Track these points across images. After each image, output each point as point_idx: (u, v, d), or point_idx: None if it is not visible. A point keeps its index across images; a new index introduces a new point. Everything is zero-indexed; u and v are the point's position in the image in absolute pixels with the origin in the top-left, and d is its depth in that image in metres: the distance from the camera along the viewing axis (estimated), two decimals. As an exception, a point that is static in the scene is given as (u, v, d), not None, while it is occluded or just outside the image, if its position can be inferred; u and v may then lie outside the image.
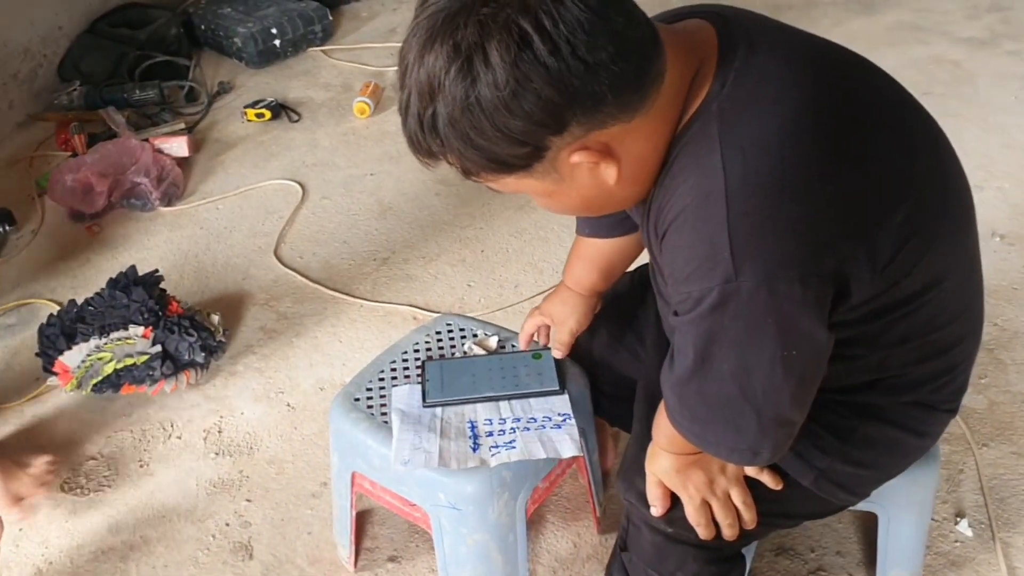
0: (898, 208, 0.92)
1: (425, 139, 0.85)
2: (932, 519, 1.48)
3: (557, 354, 1.39)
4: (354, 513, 1.46)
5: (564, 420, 1.30)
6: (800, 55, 0.94)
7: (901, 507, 1.32)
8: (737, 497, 1.12)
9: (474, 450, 1.25)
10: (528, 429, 1.28)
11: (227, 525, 1.62)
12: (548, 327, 1.44)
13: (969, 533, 1.52)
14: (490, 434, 1.27)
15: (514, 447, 1.25)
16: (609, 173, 0.89)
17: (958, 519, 1.54)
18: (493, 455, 1.24)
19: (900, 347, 1.03)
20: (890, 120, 0.96)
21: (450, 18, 0.80)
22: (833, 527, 1.53)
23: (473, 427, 1.28)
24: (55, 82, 3.08)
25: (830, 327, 0.92)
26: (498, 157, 0.85)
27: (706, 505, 1.12)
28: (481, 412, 1.31)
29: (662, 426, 1.08)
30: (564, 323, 1.40)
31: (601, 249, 1.36)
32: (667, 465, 1.12)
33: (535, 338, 1.44)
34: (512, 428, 1.28)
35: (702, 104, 0.90)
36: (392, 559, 1.54)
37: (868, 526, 1.50)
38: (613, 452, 1.65)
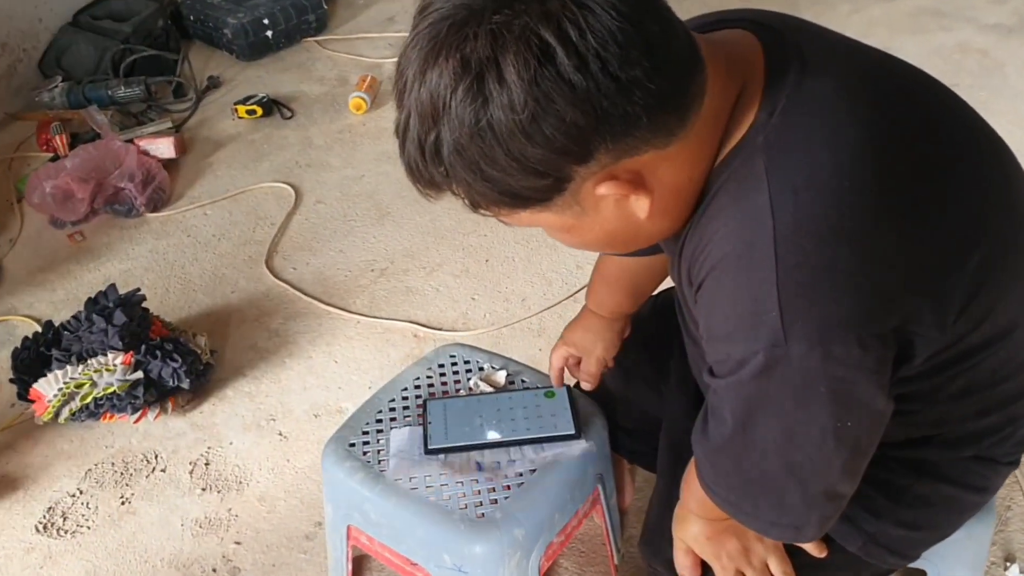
0: (972, 253, 0.79)
1: (427, 168, 0.73)
2: (980, 566, 1.36)
3: (586, 386, 1.29)
4: (351, 566, 1.34)
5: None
6: (859, 76, 0.81)
7: (953, 564, 1.19)
8: (776, 567, 1.01)
9: (480, 467, 1.19)
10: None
11: (214, 571, 1.50)
12: (577, 358, 1.32)
13: (1020, 580, 1.40)
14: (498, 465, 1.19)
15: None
16: (640, 206, 0.77)
17: (1008, 564, 1.42)
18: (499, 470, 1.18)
19: (960, 401, 0.92)
20: (960, 150, 0.83)
21: (457, 27, 0.68)
22: (872, 573, 1.41)
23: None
24: (36, 78, 2.93)
25: (889, 391, 0.80)
26: (512, 190, 0.73)
27: None
28: (488, 456, 1.19)
29: (693, 488, 0.96)
30: (591, 352, 1.29)
31: (627, 267, 1.24)
32: (698, 531, 1.00)
33: (565, 372, 1.34)
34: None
35: (747, 135, 0.77)
36: (393, 610, 1.42)
37: (912, 571, 1.38)
38: (631, 488, 1.52)
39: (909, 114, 0.81)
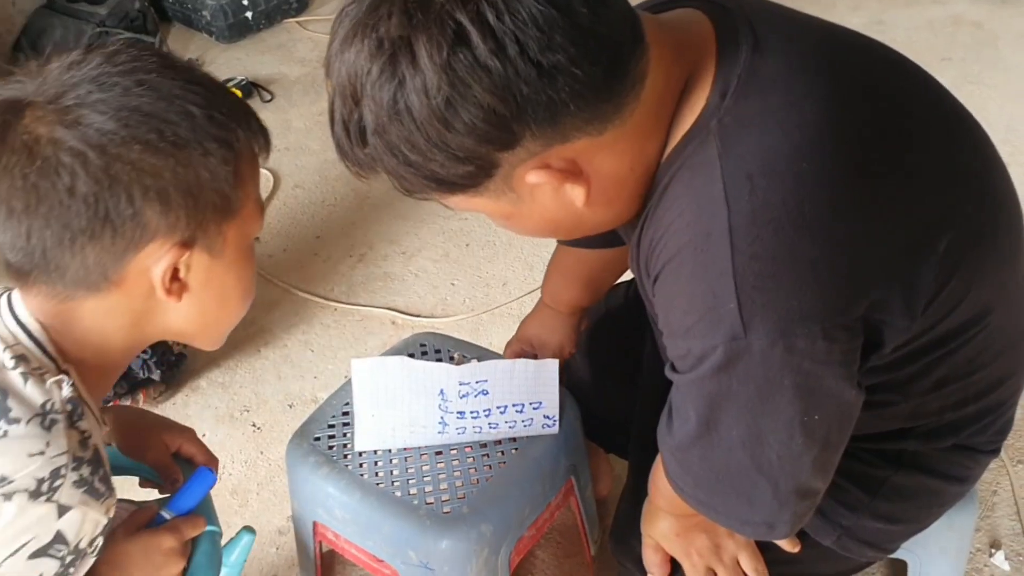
0: (941, 237, 0.76)
1: (352, 149, 0.70)
2: (965, 554, 1.33)
3: None
4: (319, 561, 1.31)
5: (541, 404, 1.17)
6: (816, 53, 0.77)
7: (935, 553, 1.16)
8: (747, 563, 0.98)
9: (442, 423, 1.15)
10: (504, 410, 1.15)
11: (184, 567, 1.47)
12: (533, 353, 1.28)
13: (1006, 567, 1.37)
14: (464, 396, 1.15)
15: (480, 430, 1.15)
16: (576, 195, 0.73)
17: (993, 550, 1.39)
18: (459, 432, 1.14)
19: (938, 391, 0.88)
20: (928, 130, 0.79)
21: (375, 5, 0.65)
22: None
23: (443, 394, 1.15)
24: (11, 62, 2.88)
25: (858, 382, 0.76)
26: (436, 175, 0.69)
27: (711, 573, 0.99)
28: (454, 375, 1.16)
29: (660, 485, 0.93)
30: (547, 347, 1.27)
31: (585, 260, 1.20)
32: (666, 528, 0.97)
33: None
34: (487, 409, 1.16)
35: (699, 119, 0.73)
36: (365, 605, 1.39)
37: (893, 562, 1.35)
38: (608, 477, 1.50)
39: (874, 93, 0.77)
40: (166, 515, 0.86)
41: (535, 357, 1.27)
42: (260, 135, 0.76)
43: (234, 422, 1.71)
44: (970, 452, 0.97)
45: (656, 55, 0.71)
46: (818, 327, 0.70)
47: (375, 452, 1.17)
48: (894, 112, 0.77)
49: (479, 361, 1.29)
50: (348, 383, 1.30)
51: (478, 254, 2.07)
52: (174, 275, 0.73)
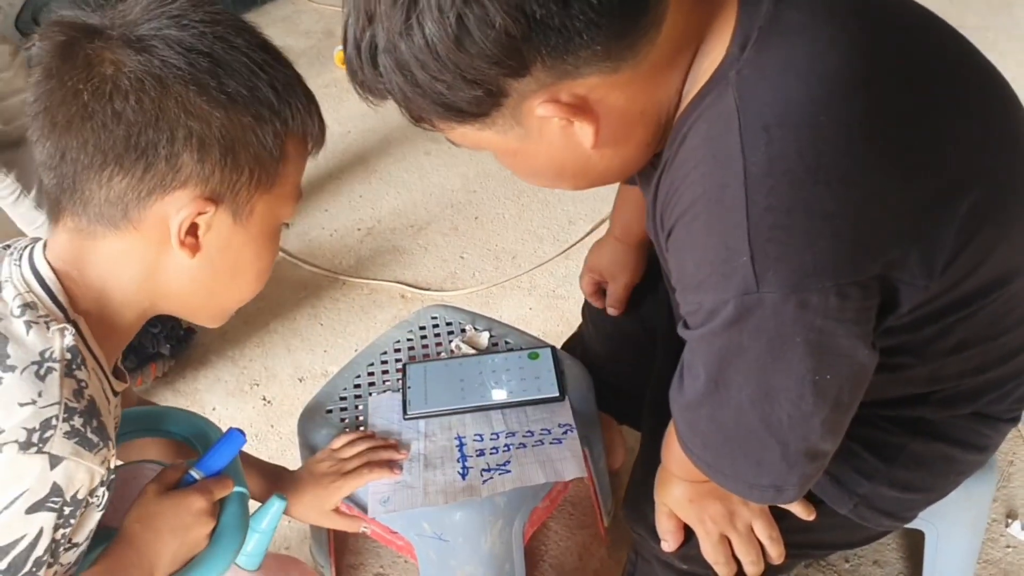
0: (964, 196, 0.74)
1: (363, 70, 0.69)
2: (980, 524, 1.33)
3: (612, 312, 1.29)
4: (332, 534, 1.31)
5: (565, 433, 1.13)
6: (840, 5, 0.74)
7: (952, 523, 1.15)
8: (762, 531, 0.97)
9: (463, 476, 1.08)
10: (524, 446, 1.11)
11: (197, 540, 1.47)
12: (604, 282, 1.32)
13: (1023, 536, 1.36)
14: (481, 453, 1.11)
15: (509, 471, 1.08)
16: (584, 133, 0.72)
17: (1009, 520, 1.38)
18: (485, 482, 1.07)
19: (956, 355, 0.86)
20: (953, 85, 0.77)
21: None
22: (869, 532, 1.37)
23: (461, 445, 1.12)
24: (13, 37, 2.86)
25: (873, 343, 0.74)
26: (445, 99, 0.68)
27: (725, 540, 0.97)
28: (470, 426, 1.14)
29: (673, 450, 0.92)
30: (617, 278, 1.29)
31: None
32: (680, 494, 0.96)
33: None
34: (506, 445, 1.12)
35: (718, 69, 0.72)
36: (378, 577, 1.40)
37: (910, 532, 1.34)
38: (622, 450, 1.49)
39: (900, 44, 0.75)
40: (195, 475, 0.85)
41: (605, 290, 1.31)
42: (317, 127, 0.77)
43: (244, 396, 1.71)
44: (989, 420, 0.96)
45: (676, 1, 0.69)
46: (831, 283, 0.68)
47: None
48: (922, 68, 0.75)
49: (490, 334, 1.29)
50: (359, 355, 1.29)
51: (487, 227, 2.06)
52: (192, 231, 0.73)
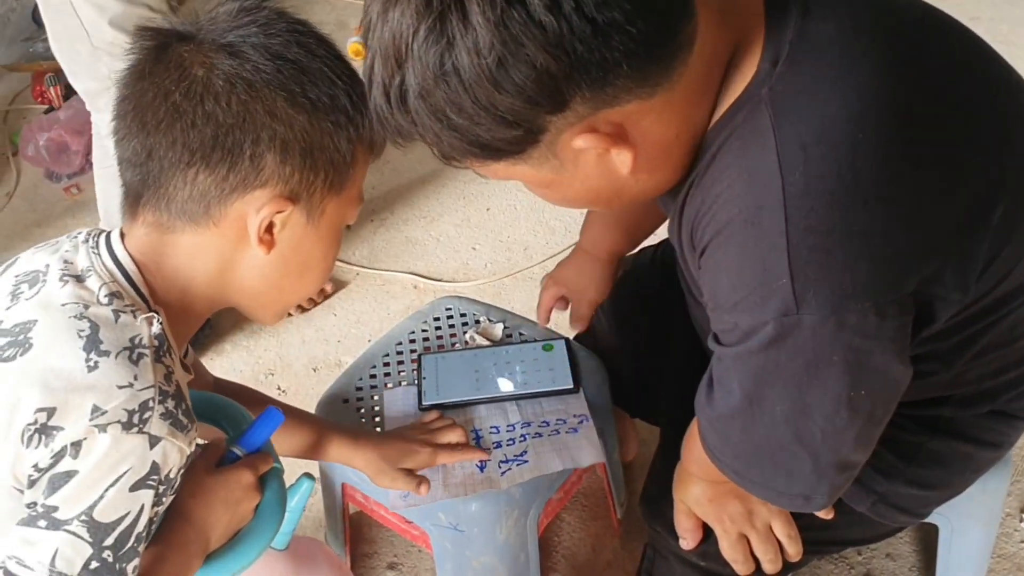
0: (995, 207, 0.74)
1: (393, 115, 0.67)
2: (994, 518, 1.32)
3: (576, 328, 1.25)
4: (347, 523, 1.31)
5: (581, 422, 1.13)
6: (871, 16, 0.74)
7: (966, 518, 1.16)
8: (780, 530, 0.97)
9: (481, 469, 1.09)
10: (540, 435, 1.12)
11: (213, 529, 1.48)
12: (566, 299, 1.28)
13: (1036, 532, 1.36)
14: (498, 445, 1.11)
15: (526, 461, 1.09)
16: (622, 160, 0.71)
17: (1023, 515, 1.38)
18: (504, 474, 1.08)
19: (979, 359, 0.86)
20: (981, 96, 0.76)
21: None
22: (881, 526, 1.38)
23: (478, 437, 1.12)
24: (30, 28, 2.86)
25: (907, 357, 0.75)
26: (481, 140, 0.67)
27: (743, 539, 0.97)
28: (486, 418, 1.15)
29: (693, 450, 0.92)
30: (583, 293, 1.25)
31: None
32: (699, 493, 0.97)
33: (553, 312, 1.29)
34: (523, 435, 1.12)
35: (749, 87, 0.71)
36: (392, 566, 1.40)
37: (924, 526, 1.34)
38: (635, 442, 1.49)
39: (929, 56, 0.74)
40: (238, 452, 0.88)
41: (568, 304, 1.27)
42: (380, 137, 0.79)
43: (259, 385, 1.72)
44: (1007, 418, 0.96)
45: (704, 19, 0.68)
46: (871, 303, 0.68)
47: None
48: (952, 78, 0.74)
49: (504, 325, 1.29)
50: (374, 345, 1.30)
51: (499, 218, 2.06)
52: (269, 228, 0.76)
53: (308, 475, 0.95)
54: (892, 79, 0.70)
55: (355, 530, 1.43)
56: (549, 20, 0.59)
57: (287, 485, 0.93)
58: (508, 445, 1.11)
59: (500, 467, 1.09)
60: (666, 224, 0.91)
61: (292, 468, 1.19)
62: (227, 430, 0.94)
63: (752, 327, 0.71)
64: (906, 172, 0.69)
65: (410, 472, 1.07)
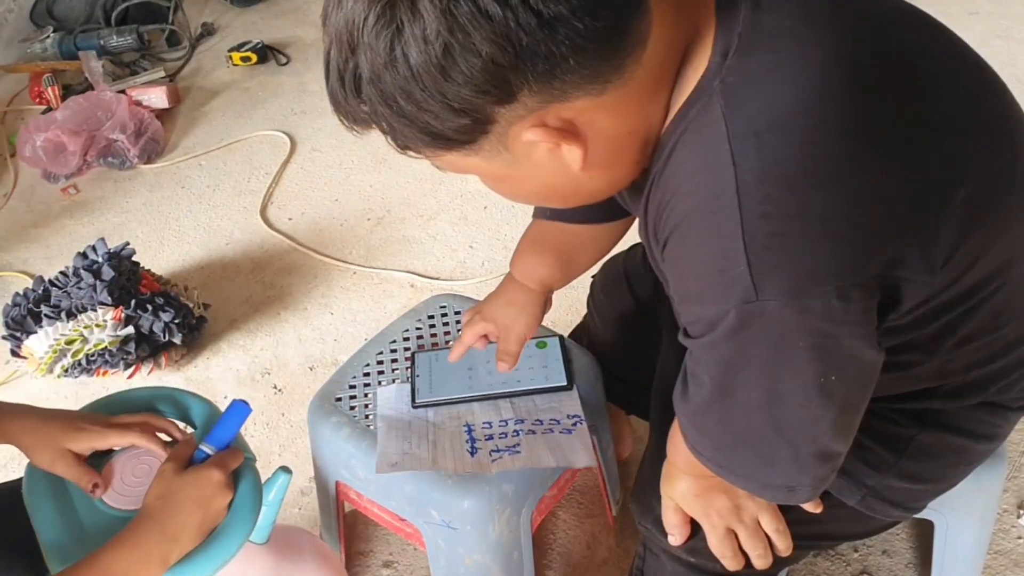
0: (959, 187, 0.73)
1: (347, 100, 0.68)
2: (990, 514, 1.32)
3: (502, 368, 1.18)
4: (342, 521, 1.31)
5: (575, 424, 1.13)
6: (818, 6, 0.73)
7: (961, 513, 1.15)
8: (768, 524, 0.97)
9: (472, 454, 1.09)
10: (534, 432, 1.12)
11: (209, 527, 1.48)
12: (488, 335, 1.21)
13: (1033, 528, 1.36)
14: (490, 437, 1.11)
15: (519, 451, 1.09)
16: (573, 157, 0.71)
17: (1020, 511, 1.37)
18: (494, 460, 1.08)
19: (962, 348, 0.86)
20: (941, 79, 0.76)
21: None
22: (877, 522, 1.37)
23: (470, 431, 1.12)
24: (28, 29, 2.87)
25: (878, 342, 0.74)
26: (432, 129, 0.67)
27: (731, 534, 0.97)
28: (479, 414, 1.15)
29: (679, 446, 0.92)
30: (511, 329, 1.17)
31: (564, 234, 1.13)
32: (685, 489, 0.96)
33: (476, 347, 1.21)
34: (515, 431, 1.12)
35: (701, 81, 0.71)
36: (387, 564, 1.40)
37: (920, 522, 1.34)
38: (631, 439, 1.49)
39: (879, 39, 0.74)
40: (207, 450, 0.87)
41: (487, 343, 1.21)
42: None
43: (255, 384, 1.72)
44: (998, 409, 0.95)
45: (658, 17, 0.68)
46: (832, 287, 0.68)
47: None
48: (905, 60, 0.74)
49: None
50: (368, 343, 1.30)
51: (496, 216, 2.06)
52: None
53: (284, 468, 0.96)
54: (846, 64, 0.69)
55: (351, 528, 1.43)
56: (495, 10, 0.60)
57: (263, 480, 0.93)
58: (501, 438, 1.11)
59: (491, 455, 1.09)
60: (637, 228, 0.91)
61: (269, 462, 1.20)
62: (196, 427, 0.94)
63: (716, 316, 0.70)
64: (862, 154, 0.68)
65: (80, 462, 0.93)
